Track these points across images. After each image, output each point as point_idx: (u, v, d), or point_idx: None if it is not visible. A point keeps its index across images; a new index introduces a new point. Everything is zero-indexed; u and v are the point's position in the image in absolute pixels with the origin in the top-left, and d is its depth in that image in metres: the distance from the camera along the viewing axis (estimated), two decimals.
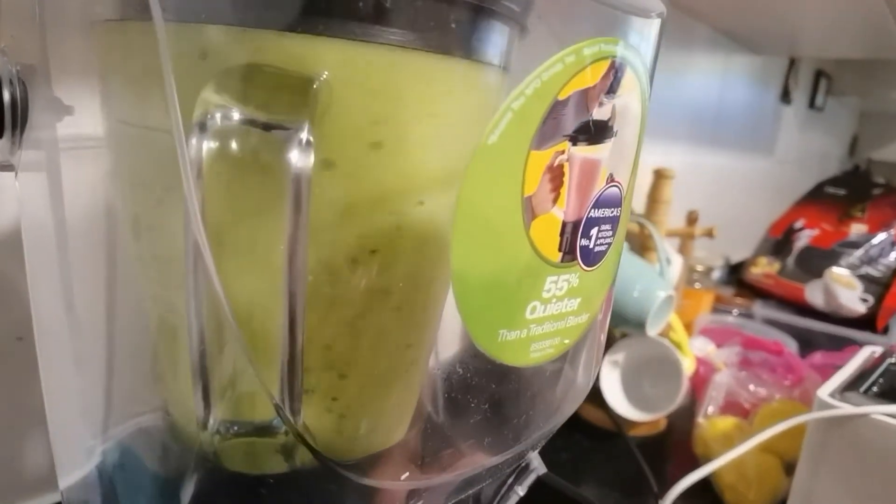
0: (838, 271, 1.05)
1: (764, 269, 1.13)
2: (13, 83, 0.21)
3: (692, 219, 0.80)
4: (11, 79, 0.21)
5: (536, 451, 0.27)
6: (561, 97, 0.17)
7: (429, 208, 0.20)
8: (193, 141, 0.15)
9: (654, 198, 0.69)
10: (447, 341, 0.23)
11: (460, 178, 0.20)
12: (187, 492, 0.23)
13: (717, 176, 1.15)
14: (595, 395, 0.59)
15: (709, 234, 0.75)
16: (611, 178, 0.20)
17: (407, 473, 0.21)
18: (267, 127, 0.16)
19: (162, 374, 0.24)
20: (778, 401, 0.58)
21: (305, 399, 0.19)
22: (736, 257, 1.21)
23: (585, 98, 0.18)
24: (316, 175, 0.16)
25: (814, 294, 1.05)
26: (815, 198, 1.29)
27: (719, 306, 0.94)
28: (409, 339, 0.22)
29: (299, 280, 0.16)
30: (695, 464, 0.53)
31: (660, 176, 0.68)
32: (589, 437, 0.59)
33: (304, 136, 0.16)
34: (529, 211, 0.18)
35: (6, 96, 0.21)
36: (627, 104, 0.20)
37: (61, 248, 0.24)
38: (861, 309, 1.02)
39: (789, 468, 0.51)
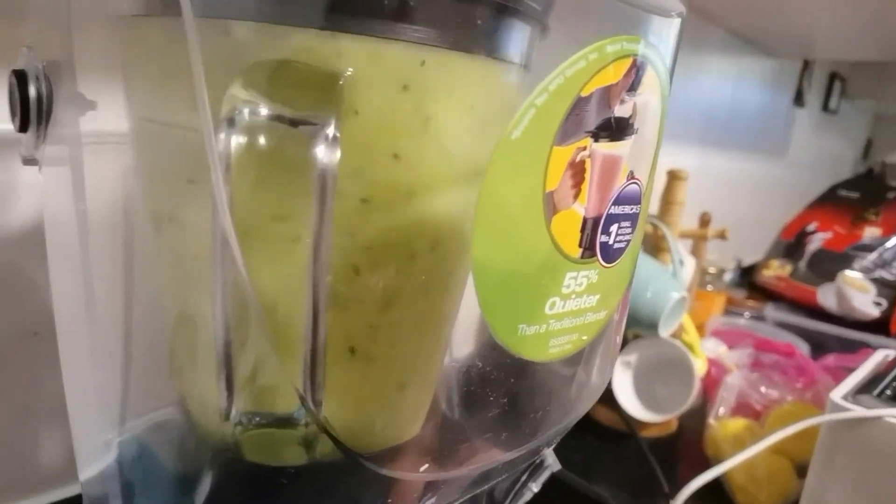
0: (851, 275, 1.04)
1: (776, 272, 1.13)
2: (39, 79, 0.21)
3: (705, 220, 0.80)
4: (38, 75, 0.21)
5: (551, 448, 0.27)
6: (584, 94, 0.18)
7: (448, 206, 0.20)
8: (222, 136, 0.16)
9: (667, 199, 0.69)
10: (461, 340, 0.24)
11: (480, 175, 0.20)
12: (204, 484, 0.23)
13: (729, 178, 1.15)
14: (607, 396, 0.59)
15: (722, 235, 0.75)
16: (631, 175, 0.20)
17: (426, 465, 0.21)
18: (294, 123, 0.16)
19: (180, 368, 0.24)
20: (790, 403, 0.58)
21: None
22: (748, 260, 1.21)
23: (608, 95, 0.18)
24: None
25: (826, 297, 1.05)
26: (828, 201, 1.28)
27: (731, 308, 0.93)
28: (426, 335, 0.22)
29: (323, 273, 0.17)
30: (705, 465, 0.53)
31: (673, 177, 0.68)
32: (599, 438, 0.58)
33: (330, 131, 0.16)
34: (551, 206, 0.18)
35: (32, 92, 0.21)
36: (648, 102, 0.20)
37: (83, 243, 0.24)
38: (874, 312, 1.01)
39: (801, 470, 0.51)
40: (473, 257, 0.18)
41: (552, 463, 0.27)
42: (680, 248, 0.68)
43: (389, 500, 0.20)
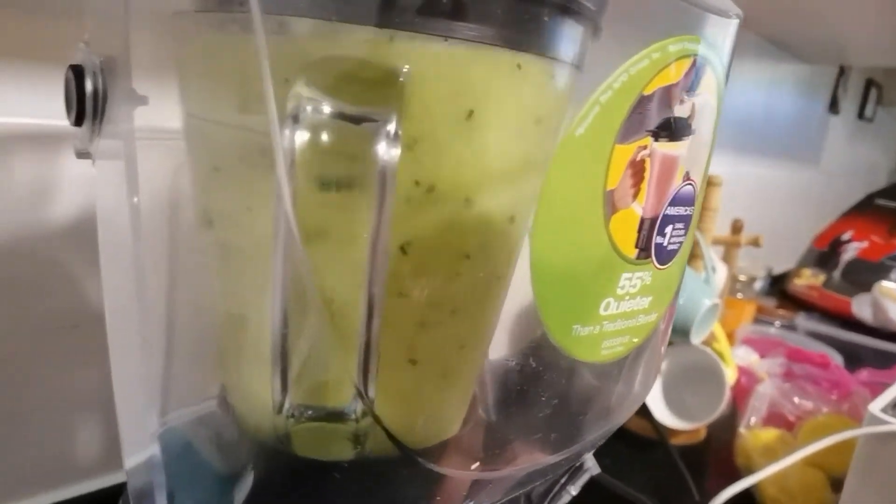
0: (888, 285, 1.02)
1: (808, 281, 1.11)
2: (96, 74, 0.22)
3: (737, 227, 0.79)
4: (94, 70, 0.22)
5: (590, 452, 0.27)
6: (646, 92, 0.18)
7: (497, 205, 0.20)
8: (286, 132, 0.16)
9: (701, 205, 0.68)
10: (498, 342, 0.23)
11: (531, 174, 0.20)
12: (246, 479, 0.23)
13: (760, 185, 1.13)
14: None
15: (755, 242, 0.74)
16: (687, 176, 0.20)
17: (477, 463, 0.21)
18: (356, 119, 0.16)
19: (225, 363, 0.25)
20: (825, 415, 0.57)
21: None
22: (778, 268, 1.19)
23: (668, 94, 0.18)
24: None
25: (861, 308, 1.02)
26: (865, 209, 1.26)
27: (761, 317, 0.92)
28: (470, 333, 0.22)
29: (380, 269, 0.17)
30: (735, 475, 0.52)
31: (708, 183, 0.67)
32: (628, 445, 0.58)
33: (392, 128, 0.16)
34: (610, 205, 0.18)
35: (88, 87, 0.22)
36: (706, 103, 0.20)
37: (135, 236, 0.24)
38: None
39: (835, 484, 0.50)
40: (532, 255, 0.18)
41: (591, 466, 0.27)
42: (712, 255, 0.68)
43: (438, 498, 0.20)
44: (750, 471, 0.52)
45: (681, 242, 0.21)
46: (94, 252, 0.25)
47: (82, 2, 0.27)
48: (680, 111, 0.19)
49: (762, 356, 0.70)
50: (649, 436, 0.58)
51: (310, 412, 0.18)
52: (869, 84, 1.47)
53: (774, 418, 0.58)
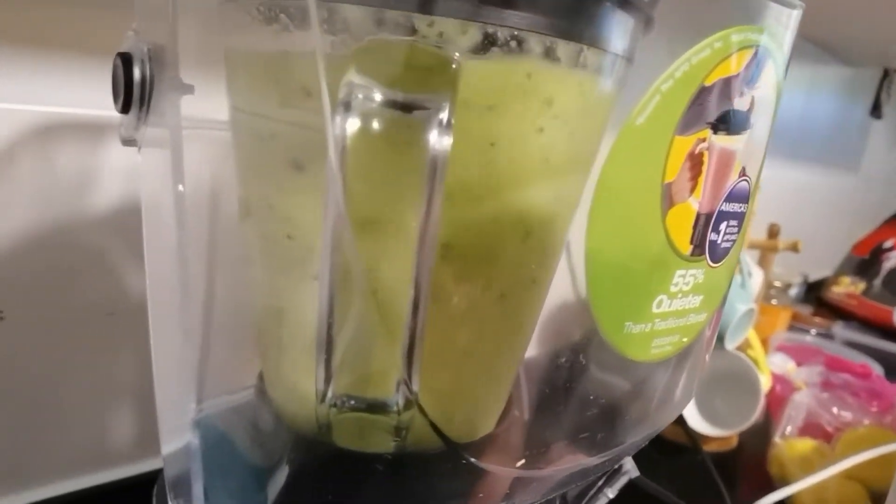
0: None
1: (847, 289, 1.08)
2: (143, 62, 0.22)
3: (773, 232, 0.77)
4: (142, 58, 0.22)
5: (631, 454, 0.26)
6: (707, 83, 0.17)
7: (543, 197, 0.19)
8: (338, 120, 0.16)
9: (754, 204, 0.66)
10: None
11: (577, 166, 0.20)
12: (282, 468, 0.23)
13: (797, 190, 1.11)
14: None
15: (794, 248, 0.72)
16: (743, 172, 0.19)
17: (522, 461, 0.20)
18: (407, 108, 0.16)
19: (265, 352, 0.25)
20: (865, 426, 0.55)
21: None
22: (814, 275, 1.16)
23: (729, 86, 0.17)
24: None
25: None
26: None
27: (796, 324, 0.90)
28: (509, 328, 0.22)
29: (427, 260, 0.17)
30: (768, 484, 0.51)
31: None
32: (658, 450, 0.57)
33: (444, 116, 0.16)
34: (668, 198, 0.17)
35: (136, 75, 0.22)
36: (765, 97, 0.19)
37: (179, 224, 0.24)
38: None
39: (875, 498, 0.48)
40: (587, 249, 0.17)
41: (630, 469, 0.26)
42: (748, 259, 0.66)
43: (480, 495, 0.20)
44: (784, 481, 0.51)
45: (734, 240, 0.20)
46: (133, 241, 0.25)
47: None
48: (740, 104, 0.18)
49: (799, 364, 0.68)
50: (681, 441, 0.57)
51: (352, 402, 0.18)
52: None
53: (811, 428, 0.57)
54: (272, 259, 0.23)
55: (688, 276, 0.19)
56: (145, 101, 0.22)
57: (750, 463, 0.59)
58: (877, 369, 0.76)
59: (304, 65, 0.19)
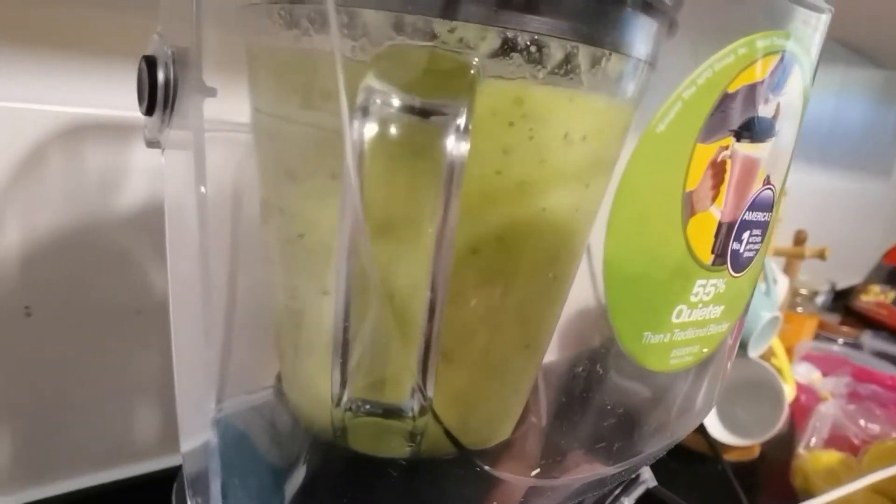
0: None
1: (876, 298, 1.05)
2: (168, 65, 0.22)
3: (800, 239, 0.76)
4: (167, 61, 0.22)
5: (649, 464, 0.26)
6: (730, 90, 0.17)
7: (560, 206, 0.19)
8: (356, 124, 0.16)
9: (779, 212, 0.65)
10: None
11: (596, 173, 0.20)
12: (299, 469, 0.23)
13: (826, 196, 1.09)
14: None
15: (820, 255, 0.70)
16: (767, 181, 0.19)
17: (538, 469, 0.20)
18: (425, 113, 0.16)
19: (283, 353, 0.25)
20: (894, 439, 0.54)
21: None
22: (842, 283, 1.14)
23: (753, 93, 0.17)
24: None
25: None
26: None
27: (822, 333, 0.88)
28: (526, 338, 0.22)
29: (444, 266, 0.16)
30: (791, 496, 0.50)
31: None
32: (677, 459, 0.56)
33: (461, 121, 0.16)
34: (689, 207, 0.17)
35: (161, 77, 0.22)
36: (791, 104, 0.19)
37: (202, 225, 0.25)
38: None
39: None
40: (605, 257, 0.17)
41: (648, 478, 0.26)
42: (773, 266, 0.65)
43: (495, 502, 0.19)
44: (808, 493, 0.50)
45: (757, 250, 0.20)
46: (158, 240, 0.25)
47: None
48: (764, 111, 0.18)
49: (825, 374, 0.67)
50: (701, 450, 0.56)
51: (367, 406, 0.18)
52: None
53: (837, 440, 0.56)
54: (292, 261, 0.23)
55: (709, 286, 0.19)
56: (169, 103, 0.23)
57: (772, 474, 0.58)
58: None
59: (323, 67, 0.19)
